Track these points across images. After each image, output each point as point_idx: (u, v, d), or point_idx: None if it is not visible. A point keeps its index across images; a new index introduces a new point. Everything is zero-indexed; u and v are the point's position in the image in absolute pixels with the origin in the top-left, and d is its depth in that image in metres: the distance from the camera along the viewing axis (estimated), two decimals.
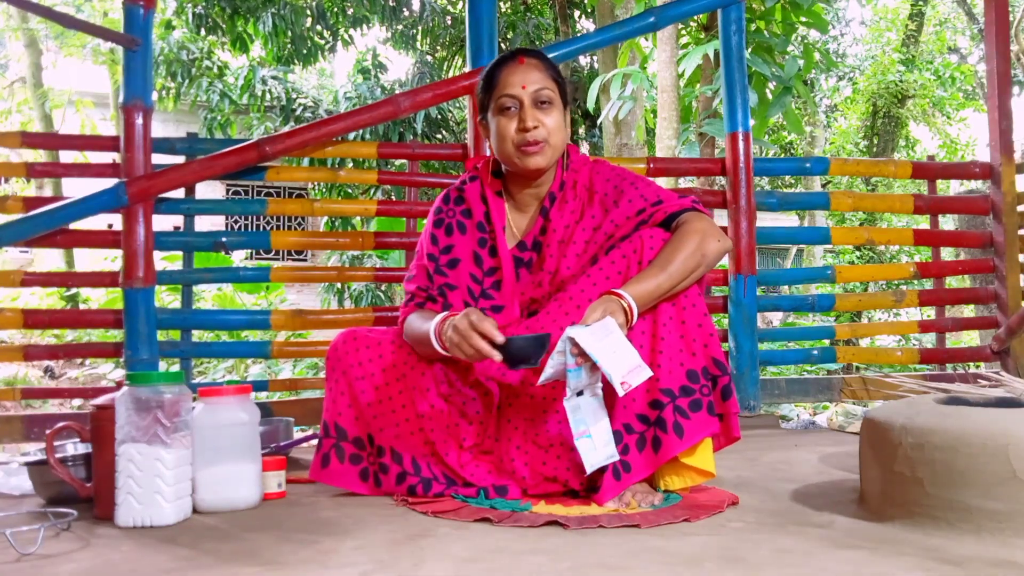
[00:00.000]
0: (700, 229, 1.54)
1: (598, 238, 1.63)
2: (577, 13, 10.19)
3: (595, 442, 1.42)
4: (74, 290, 7.09)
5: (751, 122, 2.76)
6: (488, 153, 1.76)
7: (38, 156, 9.13)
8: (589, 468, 1.41)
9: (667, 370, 1.48)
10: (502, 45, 9.36)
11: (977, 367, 3.19)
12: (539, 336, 1.41)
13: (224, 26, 8.42)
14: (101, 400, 1.53)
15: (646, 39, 5.92)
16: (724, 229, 2.73)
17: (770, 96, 4.70)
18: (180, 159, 2.57)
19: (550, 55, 2.58)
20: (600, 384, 1.44)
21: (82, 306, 7.14)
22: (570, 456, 1.53)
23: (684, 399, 1.48)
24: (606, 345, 1.35)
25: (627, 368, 1.35)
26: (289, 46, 8.74)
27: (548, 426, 1.55)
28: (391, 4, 9.33)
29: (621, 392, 1.34)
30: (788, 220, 12.45)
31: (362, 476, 1.64)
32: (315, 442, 2.07)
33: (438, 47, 10.53)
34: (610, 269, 1.58)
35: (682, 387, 1.48)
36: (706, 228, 1.55)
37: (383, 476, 1.62)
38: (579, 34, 9.35)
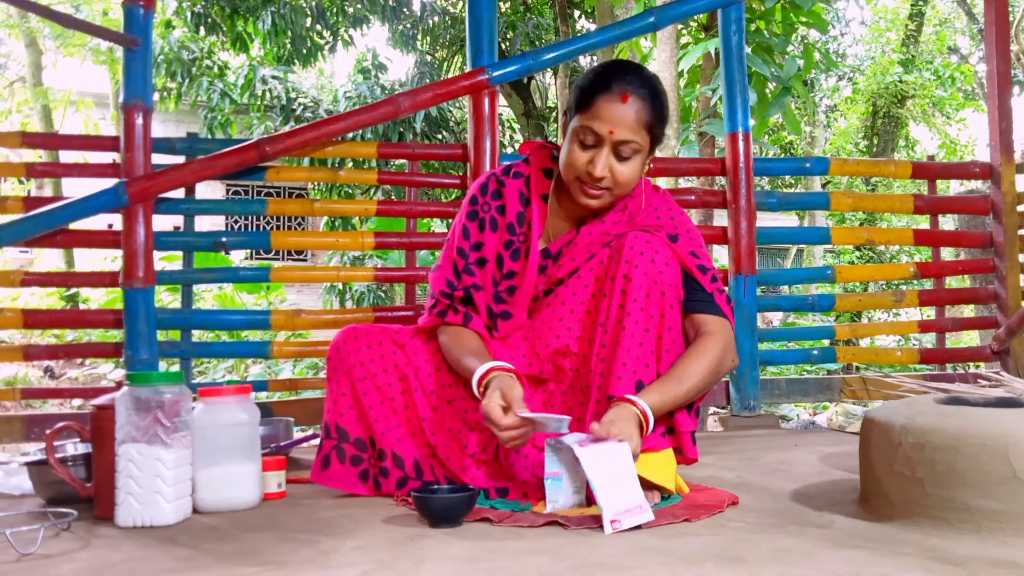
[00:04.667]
0: (724, 345, 1.50)
1: (599, 256, 1.59)
2: (577, 13, 10.17)
3: (564, 486, 1.40)
4: (74, 290, 7.09)
5: (751, 122, 2.76)
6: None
7: (38, 156, 9.14)
8: (550, 507, 1.39)
9: (616, 375, 1.46)
10: (502, 45, 9.36)
11: (977, 367, 3.19)
12: (465, 496, 1.37)
13: (224, 26, 8.41)
14: (101, 400, 1.53)
15: (646, 39, 5.92)
16: (724, 229, 2.73)
17: (770, 96, 4.70)
18: (180, 159, 2.57)
19: (549, 55, 2.61)
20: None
21: (82, 306, 7.14)
22: None
23: None
24: (611, 474, 1.30)
25: (624, 507, 1.28)
26: (289, 46, 8.74)
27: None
28: (391, 4, 9.32)
29: (609, 530, 1.26)
30: (788, 220, 12.45)
31: (362, 477, 1.63)
32: (315, 442, 2.08)
33: (438, 47, 10.52)
34: (588, 277, 1.57)
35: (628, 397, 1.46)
36: (728, 344, 1.52)
37: (383, 479, 1.61)
38: (579, 34, 9.35)
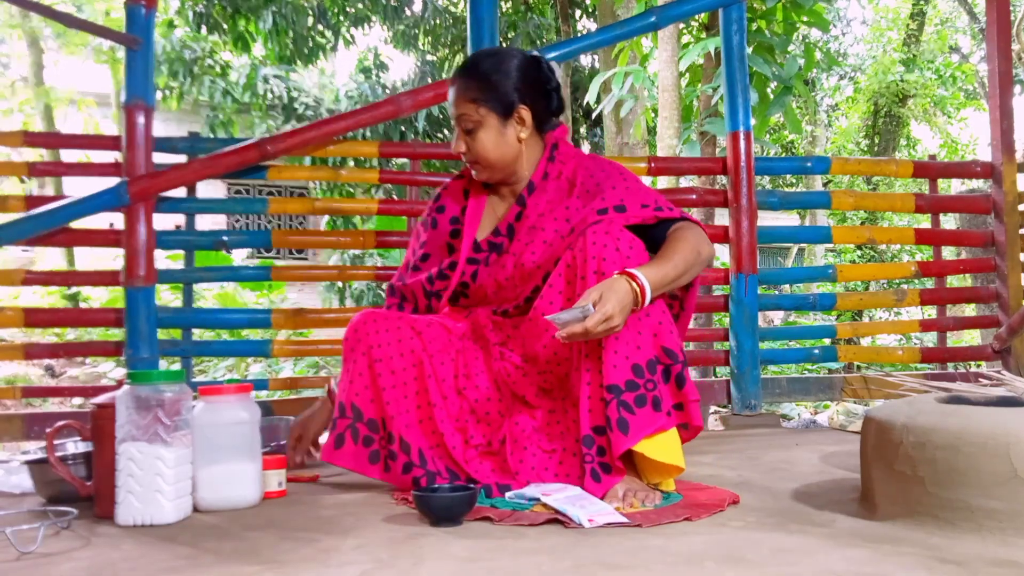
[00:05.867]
0: (696, 233, 1.58)
1: (564, 229, 1.65)
2: (578, 13, 10.17)
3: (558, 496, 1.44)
4: (75, 289, 7.10)
5: (752, 121, 2.76)
6: None
7: (39, 155, 9.15)
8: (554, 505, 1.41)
9: (611, 364, 1.46)
10: (503, 45, 9.35)
11: (978, 366, 3.18)
12: (465, 495, 1.37)
13: (225, 25, 8.41)
14: (102, 399, 1.53)
15: (647, 39, 5.92)
16: (725, 228, 2.73)
17: (771, 96, 4.70)
18: (182, 158, 2.56)
19: (550, 55, 2.61)
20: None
21: (83, 305, 7.15)
22: (572, 461, 1.55)
23: (629, 394, 1.46)
24: (579, 506, 1.35)
25: (597, 513, 1.33)
26: (290, 45, 8.73)
27: (553, 434, 1.58)
28: (392, 3, 9.31)
29: (587, 524, 1.30)
30: (789, 219, 12.44)
31: (372, 459, 1.64)
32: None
33: (440, 46, 10.52)
34: (560, 283, 1.59)
35: (627, 381, 1.47)
36: (700, 233, 1.59)
37: (392, 463, 1.62)
38: (580, 34, 9.34)
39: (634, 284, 1.43)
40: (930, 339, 3.07)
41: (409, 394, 1.63)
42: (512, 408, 1.63)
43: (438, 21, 10.02)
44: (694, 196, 2.78)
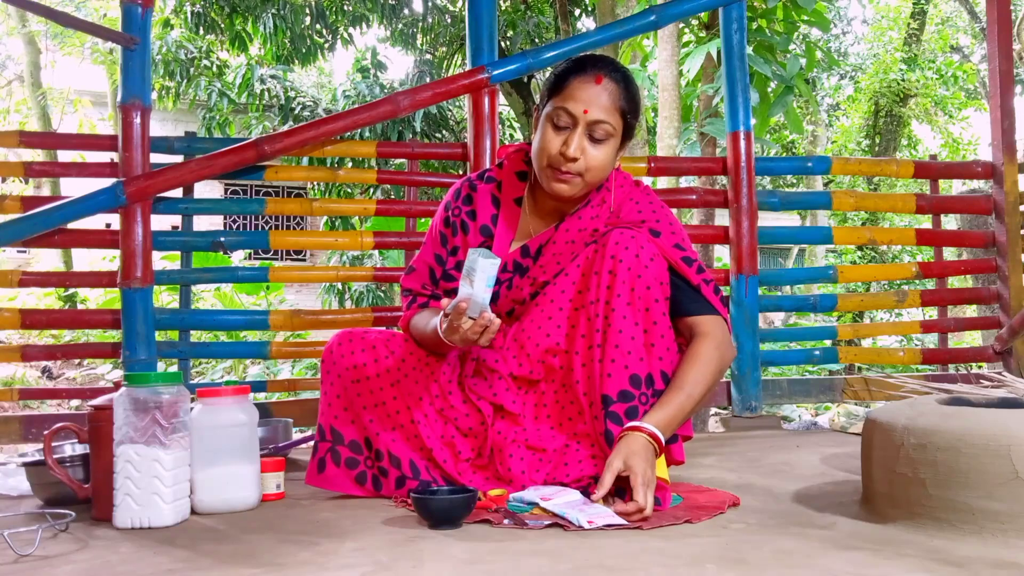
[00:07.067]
0: (719, 342, 1.52)
1: (585, 252, 1.59)
2: (578, 11, 10.17)
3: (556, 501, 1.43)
4: (72, 290, 7.09)
5: (752, 121, 2.75)
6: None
7: (36, 155, 9.14)
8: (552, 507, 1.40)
9: (607, 373, 1.47)
10: (502, 44, 9.35)
11: (979, 367, 3.17)
12: (464, 497, 1.36)
13: (223, 25, 8.41)
14: (99, 401, 1.53)
15: (647, 38, 5.91)
16: (725, 229, 2.72)
17: (771, 95, 4.69)
18: (178, 158, 2.56)
19: (550, 54, 2.60)
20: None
21: (80, 306, 7.14)
22: (562, 458, 1.54)
23: (621, 405, 1.45)
24: (580, 511, 1.34)
25: (596, 515, 1.32)
26: (288, 45, 8.73)
27: (541, 433, 1.57)
28: (391, 3, 9.31)
29: (586, 526, 1.29)
30: (790, 220, 12.44)
31: (359, 480, 1.62)
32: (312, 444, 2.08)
33: (438, 46, 10.51)
34: (575, 273, 1.57)
35: (621, 392, 1.46)
36: (723, 339, 1.53)
37: (383, 479, 1.61)
38: (580, 32, 9.33)
39: (645, 436, 1.39)
40: (931, 340, 3.06)
41: (391, 413, 1.61)
42: (493, 417, 1.60)
43: (436, 20, 10.02)
44: (694, 196, 2.77)
